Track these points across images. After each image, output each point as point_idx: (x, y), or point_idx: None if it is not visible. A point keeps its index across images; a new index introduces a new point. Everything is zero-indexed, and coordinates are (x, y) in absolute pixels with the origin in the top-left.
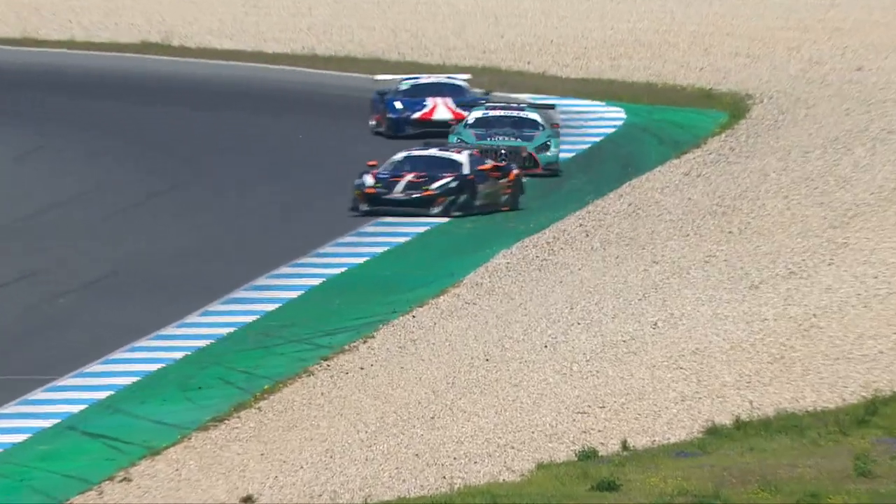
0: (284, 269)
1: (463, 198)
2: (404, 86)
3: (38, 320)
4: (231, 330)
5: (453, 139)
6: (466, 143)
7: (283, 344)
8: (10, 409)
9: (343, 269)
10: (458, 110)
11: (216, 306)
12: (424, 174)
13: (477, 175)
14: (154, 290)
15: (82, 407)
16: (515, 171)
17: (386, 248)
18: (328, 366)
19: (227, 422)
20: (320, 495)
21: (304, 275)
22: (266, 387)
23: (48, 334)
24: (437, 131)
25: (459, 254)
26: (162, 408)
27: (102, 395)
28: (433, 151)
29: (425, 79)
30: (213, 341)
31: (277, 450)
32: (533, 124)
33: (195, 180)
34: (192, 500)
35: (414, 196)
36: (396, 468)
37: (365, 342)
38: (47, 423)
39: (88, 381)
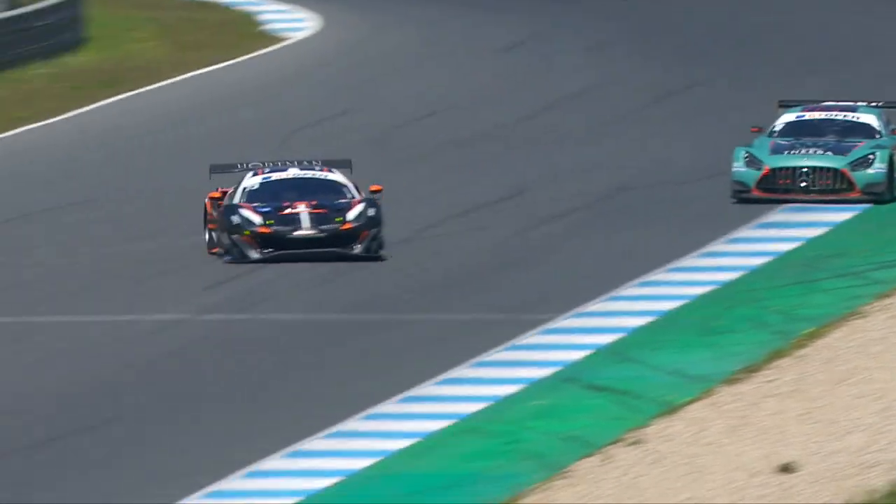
0: None
1: (379, 230)
2: None
3: (528, 246)
4: (765, 260)
5: (741, 152)
6: (755, 157)
7: (829, 278)
8: (497, 356)
9: None
10: None
11: (747, 231)
12: (315, 202)
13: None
14: (669, 212)
15: (583, 354)
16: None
17: None
18: (886, 305)
19: (759, 373)
20: (874, 466)
21: None
22: (808, 330)
23: (540, 264)
24: None
25: None
26: (680, 356)
27: (607, 339)
28: (294, 172)
29: None
30: (742, 274)
31: (822, 408)
32: (863, 130)
33: (716, 77)
34: (718, 468)
35: (330, 232)
36: None
37: None
38: (542, 373)
39: (590, 322)
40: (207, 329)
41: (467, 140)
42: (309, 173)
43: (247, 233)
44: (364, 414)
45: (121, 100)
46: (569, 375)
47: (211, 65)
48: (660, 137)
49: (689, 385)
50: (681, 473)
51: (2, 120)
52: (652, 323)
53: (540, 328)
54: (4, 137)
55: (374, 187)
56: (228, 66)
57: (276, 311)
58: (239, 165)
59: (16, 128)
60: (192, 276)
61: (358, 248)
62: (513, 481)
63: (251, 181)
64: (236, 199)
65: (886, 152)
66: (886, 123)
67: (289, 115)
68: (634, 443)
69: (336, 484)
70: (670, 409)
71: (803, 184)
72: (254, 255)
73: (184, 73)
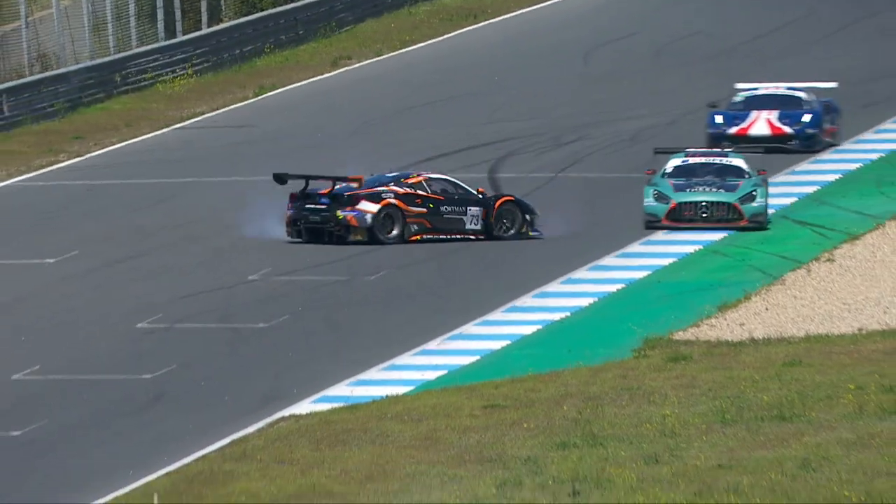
0: None
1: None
2: (739, 97)
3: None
4: None
5: (650, 190)
6: (664, 193)
7: None
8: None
9: None
10: (780, 126)
11: None
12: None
13: None
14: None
15: (793, 200)
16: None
17: None
18: None
19: None
20: None
21: None
22: None
23: None
24: (755, 148)
25: None
26: (860, 201)
27: (810, 189)
28: None
29: (764, 90)
30: None
31: None
32: (738, 172)
33: None
34: (887, 277)
35: None
36: None
37: None
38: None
39: (800, 178)
40: None
41: (723, 52)
42: None
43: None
44: (643, 240)
45: (478, 27)
46: (782, 214)
47: (536, 4)
48: None
49: (866, 221)
50: (860, 281)
51: (396, 42)
52: (841, 178)
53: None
54: (399, 54)
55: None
56: (547, 5)
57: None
58: None
59: (406, 47)
60: None
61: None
62: (744, 286)
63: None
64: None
65: (764, 189)
66: (754, 166)
67: (596, 34)
68: (828, 260)
69: (619, 290)
70: (853, 237)
71: (704, 215)
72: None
73: (518, 10)
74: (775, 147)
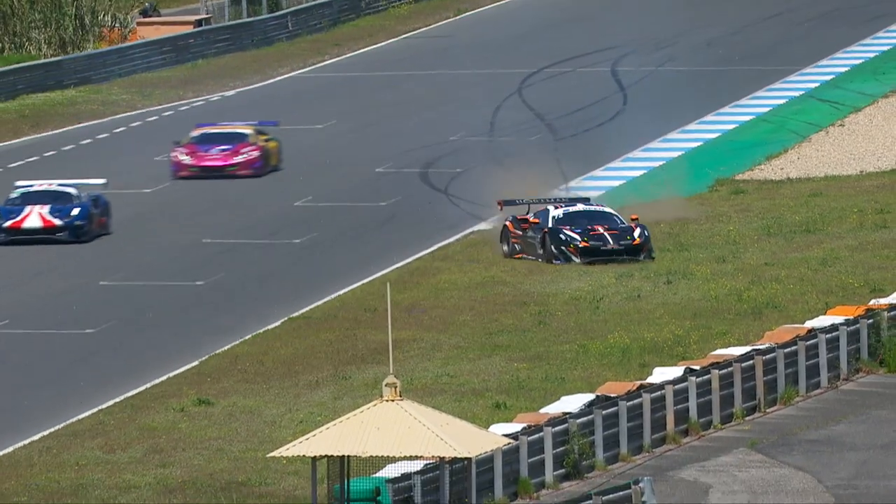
0: None
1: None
2: (16, 193)
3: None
4: None
5: None
6: None
7: None
8: (776, 85)
9: None
10: (51, 219)
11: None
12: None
13: None
14: None
15: (816, 84)
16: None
17: None
18: None
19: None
20: None
21: None
22: None
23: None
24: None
25: None
26: (862, 84)
27: (828, 77)
28: (582, 206)
29: (38, 186)
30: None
31: None
32: None
33: None
34: (882, 137)
35: (626, 245)
36: None
37: None
38: (795, 94)
39: (822, 69)
40: None
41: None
42: (592, 207)
43: (571, 246)
44: (715, 111)
45: None
46: (809, 95)
47: None
48: None
49: (866, 98)
50: (861, 139)
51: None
52: (847, 70)
53: (788, 77)
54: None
55: (633, 216)
56: None
57: None
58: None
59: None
60: None
61: (642, 257)
62: (783, 143)
63: (555, 212)
64: (550, 223)
65: None
66: None
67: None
68: (840, 125)
69: (698, 146)
70: (856, 110)
71: None
72: (576, 260)
73: None
74: (47, 238)
